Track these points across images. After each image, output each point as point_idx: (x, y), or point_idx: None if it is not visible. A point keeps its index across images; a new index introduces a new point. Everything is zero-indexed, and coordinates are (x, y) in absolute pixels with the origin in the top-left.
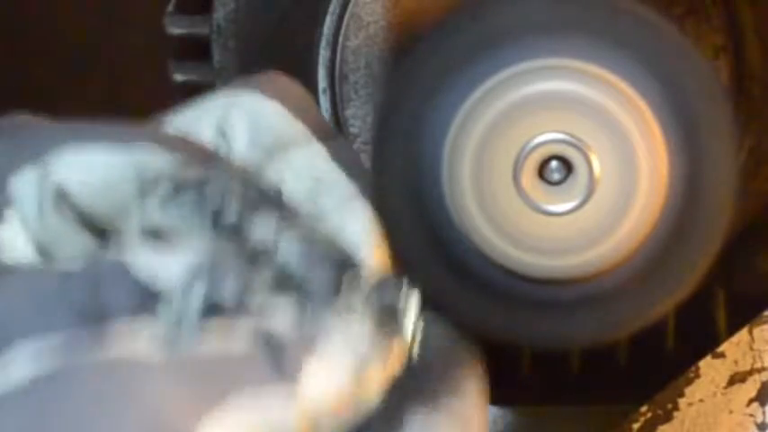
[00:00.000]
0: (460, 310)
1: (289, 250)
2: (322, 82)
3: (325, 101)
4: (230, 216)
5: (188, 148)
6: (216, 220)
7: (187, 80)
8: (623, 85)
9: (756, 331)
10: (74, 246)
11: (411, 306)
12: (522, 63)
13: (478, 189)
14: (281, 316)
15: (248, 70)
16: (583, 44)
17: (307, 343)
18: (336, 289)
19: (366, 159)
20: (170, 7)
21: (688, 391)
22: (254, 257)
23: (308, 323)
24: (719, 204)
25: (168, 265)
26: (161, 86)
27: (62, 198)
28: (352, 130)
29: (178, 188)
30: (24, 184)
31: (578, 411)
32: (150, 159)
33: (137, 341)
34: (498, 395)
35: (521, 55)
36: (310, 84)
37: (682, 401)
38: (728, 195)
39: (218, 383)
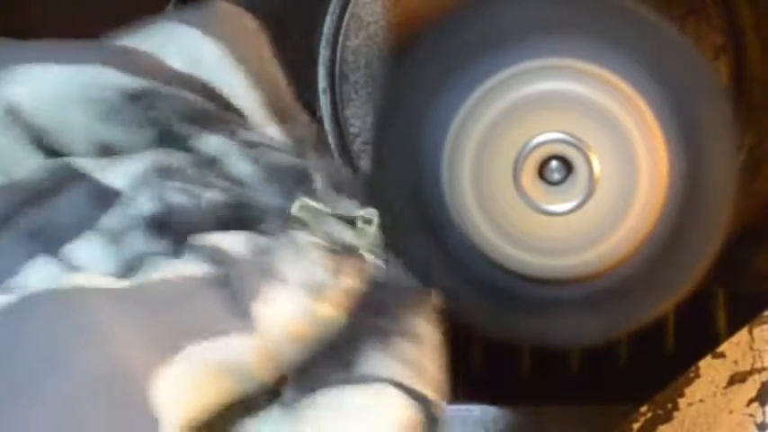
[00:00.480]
0: (460, 309)
1: (240, 166)
2: (322, 82)
3: (325, 101)
4: (180, 129)
5: (140, 64)
6: (163, 134)
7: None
8: (623, 85)
9: (756, 331)
10: (23, 166)
11: (369, 225)
12: (522, 63)
13: (478, 189)
14: (235, 238)
15: None
16: (583, 44)
17: (261, 270)
18: (288, 211)
19: (366, 159)
20: (170, 7)
21: (688, 391)
22: (204, 166)
23: (262, 247)
24: (719, 204)
25: (118, 174)
26: None
27: (13, 114)
28: (352, 130)
29: (123, 102)
30: None
31: (578, 411)
32: (98, 74)
33: (95, 269)
34: (498, 395)
35: (521, 55)
36: (310, 84)
37: (682, 401)
38: (728, 195)
39: (174, 325)
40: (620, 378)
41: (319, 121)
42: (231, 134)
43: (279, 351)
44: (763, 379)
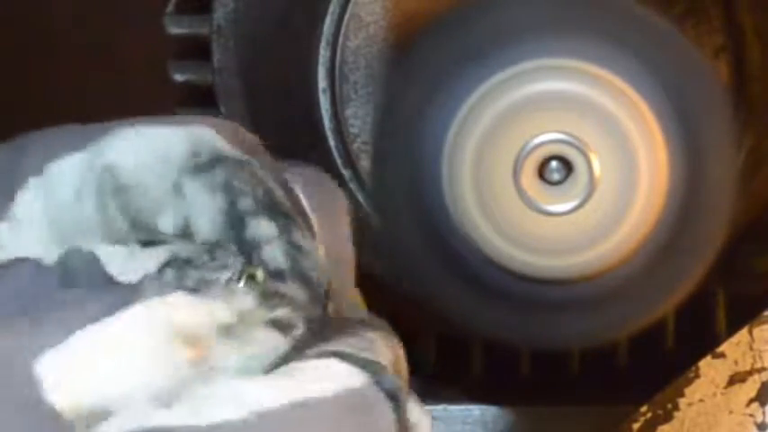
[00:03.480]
0: (460, 309)
1: (275, 256)
2: (322, 82)
3: (325, 101)
4: (244, 204)
5: (238, 136)
6: (227, 206)
7: (187, 80)
8: (623, 85)
9: (756, 331)
10: (93, 237)
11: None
12: (522, 63)
13: (478, 189)
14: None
15: (248, 70)
16: (583, 44)
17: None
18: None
19: (366, 159)
20: (170, 7)
21: (688, 391)
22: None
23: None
24: (719, 204)
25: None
26: (161, 86)
27: (108, 176)
28: (352, 130)
29: (214, 163)
30: (68, 168)
31: (578, 411)
32: (204, 134)
33: None
34: (498, 395)
35: (521, 55)
36: (310, 84)
37: (682, 401)
38: (728, 195)
39: (64, 320)
40: (620, 378)
41: (319, 121)
42: (286, 230)
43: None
44: (763, 379)
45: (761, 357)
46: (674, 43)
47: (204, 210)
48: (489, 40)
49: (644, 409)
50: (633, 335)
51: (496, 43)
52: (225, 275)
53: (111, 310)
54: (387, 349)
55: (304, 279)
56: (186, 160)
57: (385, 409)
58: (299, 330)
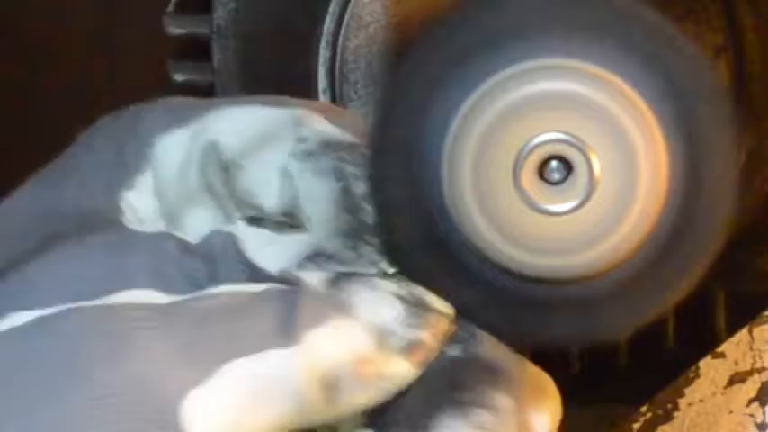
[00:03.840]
0: (460, 309)
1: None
2: (322, 82)
3: (325, 101)
4: (353, 197)
5: (344, 118)
6: (340, 195)
7: (187, 80)
8: (623, 85)
9: (756, 331)
10: (200, 218)
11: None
12: (522, 63)
13: (478, 189)
14: (315, 273)
15: (248, 70)
16: (583, 44)
17: (331, 302)
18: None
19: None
20: (170, 7)
21: (688, 391)
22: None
23: (340, 284)
24: (720, 204)
25: (272, 259)
26: (161, 86)
27: (211, 152)
28: None
29: (322, 147)
30: (173, 144)
31: (578, 411)
32: (308, 117)
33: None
34: None
35: (521, 55)
36: (310, 84)
37: (682, 401)
38: (729, 195)
39: (216, 342)
40: (620, 378)
41: None
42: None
43: (332, 377)
44: (763, 379)
45: (761, 357)
46: (674, 43)
47: (314, 195)
48: (489, 39)
49: (644, 409)
50: (633, 335)
51: (496, 43)
52: (372, 271)
53: (264, 343)
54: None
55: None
56: (293, 145)
57: None
58: (434, 356)
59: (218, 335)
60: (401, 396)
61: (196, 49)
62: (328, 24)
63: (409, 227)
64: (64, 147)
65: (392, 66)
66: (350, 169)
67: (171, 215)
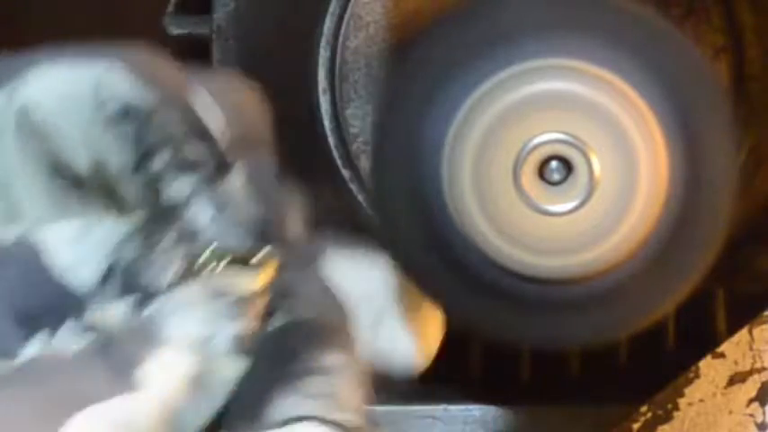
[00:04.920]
0: (460, 309)
1: (200, 210)
2: (322, 82)
3: (325, 101)
4: (157, 163)
5: (159, 75)
6: (142, 159)
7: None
8: (623, 85)
9: (756, 331)
10: (24, 182)
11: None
12: (522, 63)
13: (478, 189)
14: (114, 308)
15: (248, 70)
16: (583, 44)
17: (143, 335)
18: (189, 270)
19: (366, 159)
20: (170, 7)
21: (688, 391)
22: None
23: (146, 313)
24: (719, 204)
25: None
26: None
27: (24, 117)
28: (352, 130)
29: (122, 115)
30: None
31: (578, 411)
32: (111, 78)
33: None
34: (498, 395)
35: (521, 55)
36: (310, 84)
37: (682, 401)
38: (728, 195)
39: (59, 397)
40: (620, 378)
41: (319, 121)
42: (207, 184)
43: (173, 410)
44: (763, 379)
45: (761, 357)
46: (674, 43)
47: (117, 162)
48: (489, 39)
49: (644, 409)
50: (633, 335)
51: (496, 43)
52: (168, 275)
53: (104, 393)
54: (351, 386)
55: (239, 224)
56: (95, 109)
57: None
58: (253, 341)
59: (61, 392)
60: (238, 389)
61: (196, 49)
62: (328, 24)
63: (410, 227)
64: None
65: (392, 66)
66: (148, 139)
67: None
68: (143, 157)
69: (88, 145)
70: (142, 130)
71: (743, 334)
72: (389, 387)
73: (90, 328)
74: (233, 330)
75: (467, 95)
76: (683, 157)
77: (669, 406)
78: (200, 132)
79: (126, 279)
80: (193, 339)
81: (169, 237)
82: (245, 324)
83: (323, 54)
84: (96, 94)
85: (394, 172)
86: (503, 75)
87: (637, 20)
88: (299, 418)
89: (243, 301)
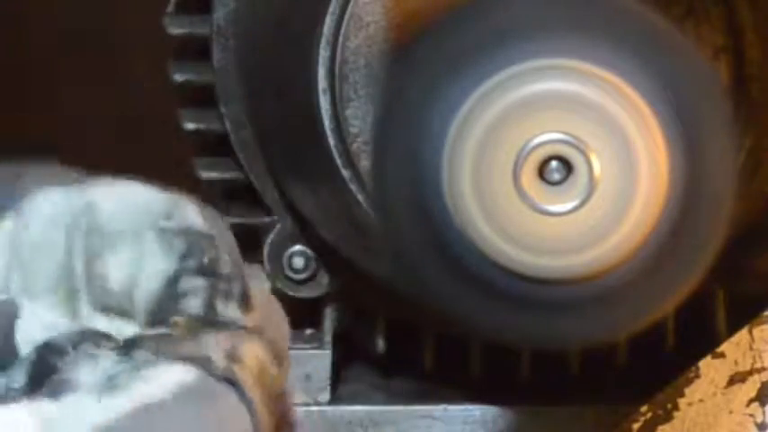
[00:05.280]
0: (460, 309)
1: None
2: (322, 82)
3: (325, 101)
4: (185, 266)
5: (215, 220)
6: (175, 265)
7: (187, 80)
8: (623, 85)
9: (756, 331)
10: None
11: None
12: (522, 63)
13: (478, 189)
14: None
15: (248, 70)
16: (582, 44)
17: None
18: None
19: (366, 159)
20: (170, 7)
21: (688, 391)
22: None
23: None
24: (719, 204)
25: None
26: (161, 86)
27: (86, 212)
28: (352, 130)
29: (182, 229)
30: (45, 198)
31: (578, 411)
32: (183, 207)
33: None
34: (498, 395)
35: (520, 55)
36: (310, 84)
37: (682, 401)
38: (728, 195)
39: None
40: (620, 378)
41: (319, 121)
42: (212, 289)
43: None
44: (763, 379)
45: (761, 357)
46: (674, 43)
47: (150, 273)
48: (489, 39)
49: (644, 409)
50: (633, 335)
51: (496, 43)
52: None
53: None
54: (216, 344)
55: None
56: (157, 220)
57: (227, 395)
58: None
59: None
60: None
61: (196, 49)
62: (328, 24)
63: (410, 227)
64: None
65: (392, 66)
66: (192, 249)
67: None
68: (178, 265)
69: (133, 246)
70: (192, 247)
71: (743, 334)
72: (389, 387)
73: None
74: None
75: (467, 95)
76: (683, 157)
77: (669, 406)
78: (240, 282)
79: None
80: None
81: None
82: None
83: (323, 54)
84: (164, 211)
85: (394, 172)
86: (503, 75)
87: (637, 20)
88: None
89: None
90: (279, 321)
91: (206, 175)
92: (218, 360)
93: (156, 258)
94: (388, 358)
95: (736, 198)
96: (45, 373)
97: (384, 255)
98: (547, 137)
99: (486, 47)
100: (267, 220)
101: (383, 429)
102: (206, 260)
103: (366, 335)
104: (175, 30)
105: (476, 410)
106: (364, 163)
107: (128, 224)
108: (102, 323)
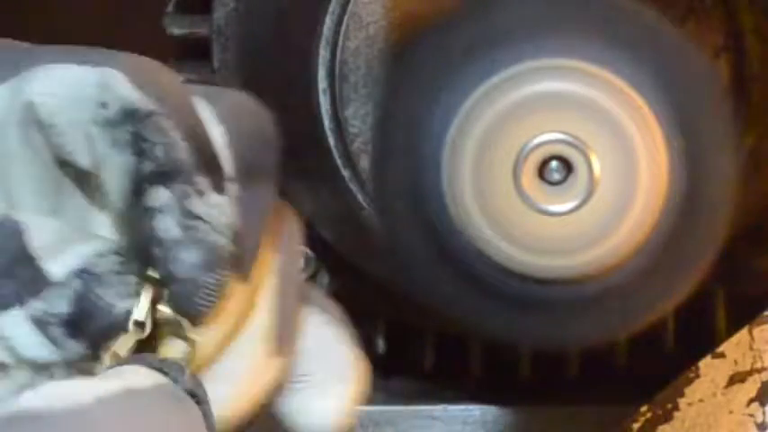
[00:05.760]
0: (460, 309)
1: (167, 226)
2: (322, 82)
3: (325, 101)
4: (147, 167)
5: (161, 83)
6: (137, 163)
7: (187, 80)
8: (623, 85)
9: (756, 331)
10: (23, 177)
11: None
12: (522, 63)
13: (478, 189)
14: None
15: (248, 70)
16: (582, 44)
17: None
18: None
19: (366, 159)
20: (170, 7)
21: (688, 391)
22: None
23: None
24: (719, 204)
25: (59, 265)
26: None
27: (30, 111)
28: (352, 130)
29: (122, 115)
30: None
31: (578, 411)
32: (114, 81)
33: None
34: (498, 395)
35: (521, 55)
36: (310, 84)
37: (682, 401)
38: (728, 195)
39: None
40: (620, 378)
41: (319, 121)
42: (182, 197)
43: None
44: (763, 379)
45: (761, 357)
46: (674, 43)
47: (113, 168)
48: (489, 40)
49: (644, 409)
50: (633, 335)
51: (496, 43)
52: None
53: None
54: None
55: (203, 245)
56: (95, 109)
57: (193, 406)
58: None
59: None
60: None
61: (196, 49)
62: (328, 24)
63: (410, 226)
64: None
65: (392, 66)
66: (143, 143)
67: None
68: (137, 162)
69: (89, 144)
70: (139, 133)
71: (743, 334)
72: (389, 387)
73: None
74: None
75: (467, 96)
76: (683, 157)
77: (669, 406)
78: (196, 141)
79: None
80: None
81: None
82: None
83: (323, 54)
84: (99, 96)
85: (394, 172)
86: (503, 75)
87: (637, 20)
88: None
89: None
90: (261, 139)
91: None
92: (186, 376)
93: (113, 160)
94: (388, 358)
95: (737, 198)
96: (90, 305)
97: (384, 255)
98: (547, 137)
99: (485, 47)
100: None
101: (383, 429)
102: (160, 154)
103: (366, 335)
104: (175, 30)
105: (476, 410)
106: (364, 163)
107: (68, 122)
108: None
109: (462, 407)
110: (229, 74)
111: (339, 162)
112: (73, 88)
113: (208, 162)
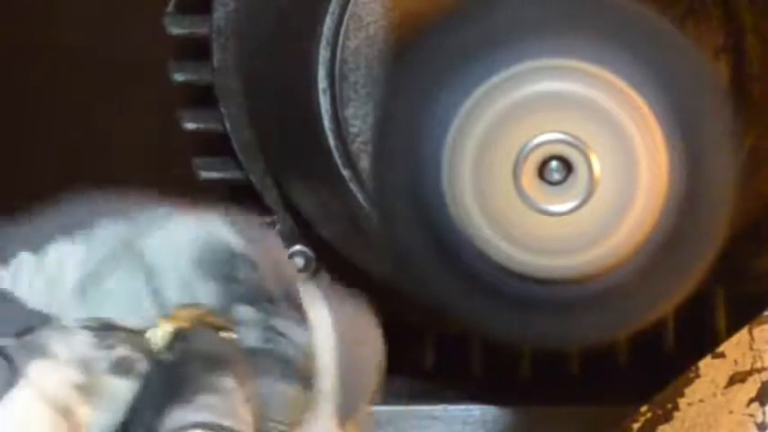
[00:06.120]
0: (460, 309)
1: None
2: (322, 82)
3: (325, 101)
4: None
5: (250, 227)
6: (222, 295)
7: (187, 80)
8: (623, 85)
9: (756, 331)
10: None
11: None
12: (522, 63)
13: (478, 189)
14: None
15: (248, 70)
16: (582, 44)
17: (29, 349)
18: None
19: (366, 159)
20: (170, 7)
21: (688, 391)
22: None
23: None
24: (719, 204)
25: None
26: (161, 87)
27: (140, 253)
28: (352, 130)
29: (223, 259)
30: (107, 234)
31: (578, 411)
32: (221, 233)
33: None
34: (498, 395)
35: (521, 55)
36: (310, 84)
37: (682, 401)
38: (728, 195)
39: None
40: (620, 378)
41: (319, 121)
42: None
43: (62, 403)
44: (763, 379)
45: (761, 357)
46: (674, 43)
47: (204, 296)
48: (489, 39)
49: (644, 409)
50: (633, 335)
51: (497, 43)
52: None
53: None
54: (241, 402)
55: (282, 359)
56: (200, 256)
57: None
58: (142, 365)
59: None
60: (135, 408)
61: (196, 49)
62: (328, 24)
63: (410, 227)
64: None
65: (392, 66)
66: (236, 276)
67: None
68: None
69: (185, 283)
70: (233, 271)
71: (743, 334)
72: (389, 387)
73: None
74: (113, 354)
75: (467, 96)
76: (683, 157)
77: (669, 406)
78: (282, 276)
79: None
80: (73, 357)
81: None
82: (126, 351)
83: (323, 54)
84: (207, 247)
85: (394, 172)
86: (503, 75)
87: (637, 20)
88: (193, 425)
89: (122, 333)
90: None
91: (206, 175)
92: (238, 428)
93: (202, 292)
94: (388, 358)
95: (737, 198)
96: None
97: (384, 255)
98: (547, 137)
99: (485, 47)
100: (267, 220)
101: (383, 429)
102: (252, 284)
103: None
104: (175, 30)
105: (476, 410)
106: (364, 163)
107: (171, 266)
108: None
109: (462, 407)
110: (229, 74)
111: (339, 162)
112: (182, 239)
113: (292, 297)
